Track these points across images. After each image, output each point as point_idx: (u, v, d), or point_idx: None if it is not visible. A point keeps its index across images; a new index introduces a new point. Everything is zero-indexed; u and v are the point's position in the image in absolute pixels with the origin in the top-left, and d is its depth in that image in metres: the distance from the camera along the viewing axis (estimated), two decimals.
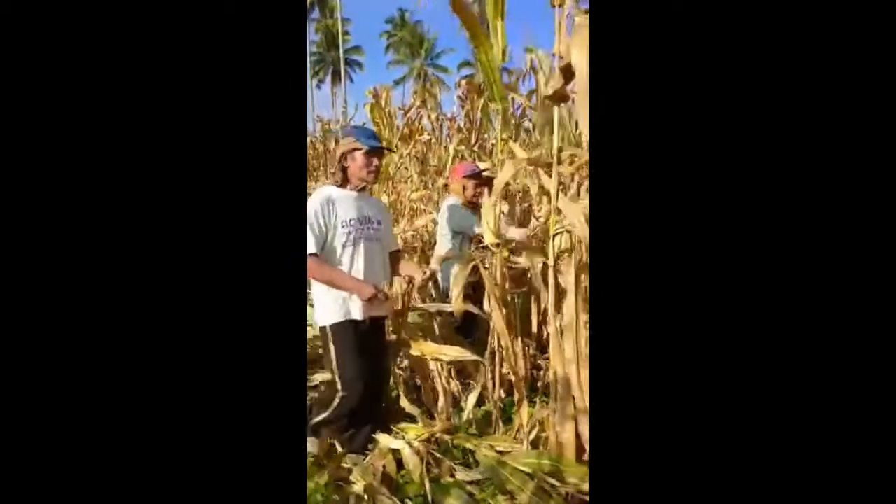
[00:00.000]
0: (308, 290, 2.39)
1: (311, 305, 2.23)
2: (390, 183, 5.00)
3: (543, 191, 2.96)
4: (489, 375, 1.89)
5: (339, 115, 7.91)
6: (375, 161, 2.13)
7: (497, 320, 1.67)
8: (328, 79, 34.25)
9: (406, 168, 5.19)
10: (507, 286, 1.98)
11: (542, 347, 2.48)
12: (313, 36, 34.04)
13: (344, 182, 2.15)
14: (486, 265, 1.96)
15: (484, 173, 2.92)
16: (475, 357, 2.10)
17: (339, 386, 2.06)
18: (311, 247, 1.99)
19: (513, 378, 1.63)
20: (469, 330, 2.73)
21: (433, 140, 5.06)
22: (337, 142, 2.22)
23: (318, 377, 2.73)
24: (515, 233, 2.87)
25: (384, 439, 2.22)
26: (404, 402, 2.38)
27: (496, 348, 1.95)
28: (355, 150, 2.09)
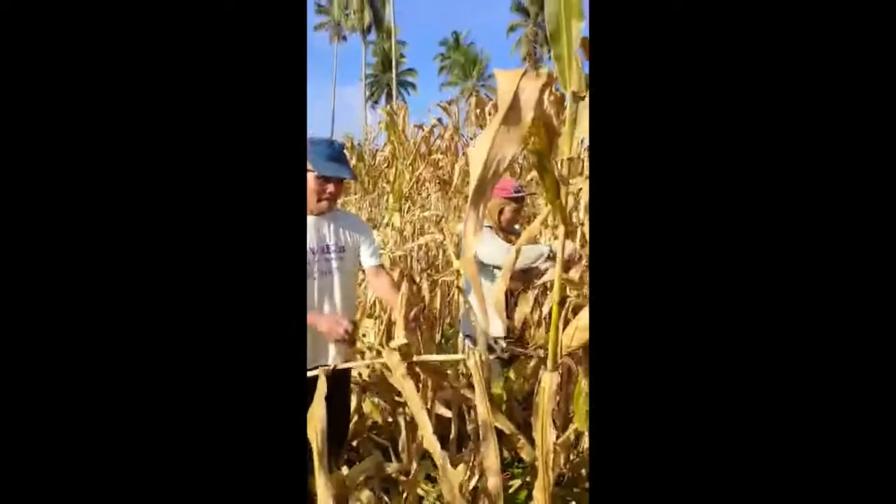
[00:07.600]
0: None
1: None
2: (407, 203, 4.90)
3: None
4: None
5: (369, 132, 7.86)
6: (330, 187, 1.73)
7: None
8: (382, 100, 35.18)
9: (426, 188, 5.09)
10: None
11: None
12: (370, 58, 35.23)
13: None
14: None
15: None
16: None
17: None
18: None
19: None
20: None
21: (449, 160, 4.93)
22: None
23: None
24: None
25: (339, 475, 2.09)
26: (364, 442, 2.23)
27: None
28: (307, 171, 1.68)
